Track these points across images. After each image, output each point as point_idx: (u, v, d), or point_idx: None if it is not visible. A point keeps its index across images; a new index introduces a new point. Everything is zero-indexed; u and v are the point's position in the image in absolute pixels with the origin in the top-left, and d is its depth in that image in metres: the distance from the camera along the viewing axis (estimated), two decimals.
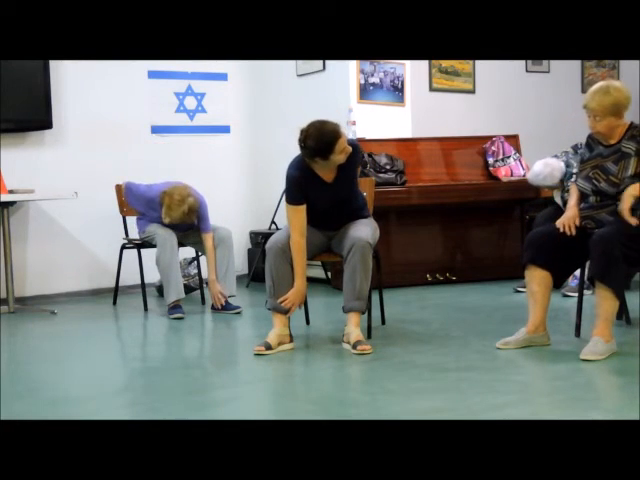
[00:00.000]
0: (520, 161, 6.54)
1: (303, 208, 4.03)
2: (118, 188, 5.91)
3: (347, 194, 4.14)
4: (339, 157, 3.92)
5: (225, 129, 6.97)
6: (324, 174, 4.05)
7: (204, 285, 5.90)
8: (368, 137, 6.29)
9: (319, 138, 3.85)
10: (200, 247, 5.52)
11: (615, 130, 3.87)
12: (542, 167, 5.35)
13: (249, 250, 7.01)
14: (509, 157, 6.51)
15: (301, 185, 4.02)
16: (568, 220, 3.90)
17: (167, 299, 5.28)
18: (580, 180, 3.98)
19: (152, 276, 5.82)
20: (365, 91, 6.43)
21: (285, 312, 4.06)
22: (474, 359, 3.75)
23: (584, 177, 3.95)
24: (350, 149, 3.94)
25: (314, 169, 4.03)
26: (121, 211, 5.90)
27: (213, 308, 5.39)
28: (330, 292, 6.05)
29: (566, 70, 8.18)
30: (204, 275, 5.92)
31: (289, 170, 4.07)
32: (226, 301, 5.34)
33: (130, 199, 5.64)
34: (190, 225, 5.44)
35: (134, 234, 5.73)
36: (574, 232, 3.86)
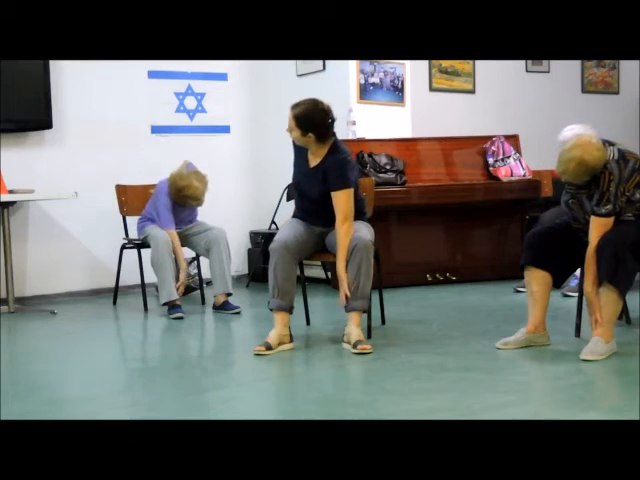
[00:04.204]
0: (520, 161, 6.54)
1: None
2: (118, 188, 5.91)
3: (321, 193, 4.11)
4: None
5: (225, 129, 6.97)
6: (311, 155, 4.16)
7: (204, 285, 5.91)
8: (368, 137, 6.29)
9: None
10: (199, 248, 5.52)
11: None
12: (570, 134, 5.20)
13: (249, 250, 7.00)
14: (509, 157, 6.50)
15: (296, 149, 4.26)
16: None
17: (159, 299, 5.33)
18: (563, 204, 3.98)
19: (152, 276, 5.81)
20: (365, 91, 6.43)
21: (289, 310, 4.06)
22: (474, 359, 3.75)
23: (565, 202, 3.95)
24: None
25: (308, 151, 4.18)
26: (121, 211, 5.90)
27: (214, 308, 5.40)
28: (330, 292, 6.04)
29: (566, 70, 8.18)
30: (204, 275, 5.93)
31: None
32: (226, 301, 5.34)
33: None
34: (190, 216, 5.57)
35: (134, 234, 5.73)
36: None
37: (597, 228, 3.72)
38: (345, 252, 4.00)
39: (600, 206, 3.70)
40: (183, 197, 5.40)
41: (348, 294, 3.98)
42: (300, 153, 4.21)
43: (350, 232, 4.00)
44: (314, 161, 4.15)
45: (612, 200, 3.67)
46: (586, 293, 3.74)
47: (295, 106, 4.10)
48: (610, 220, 3.72)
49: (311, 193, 4.17)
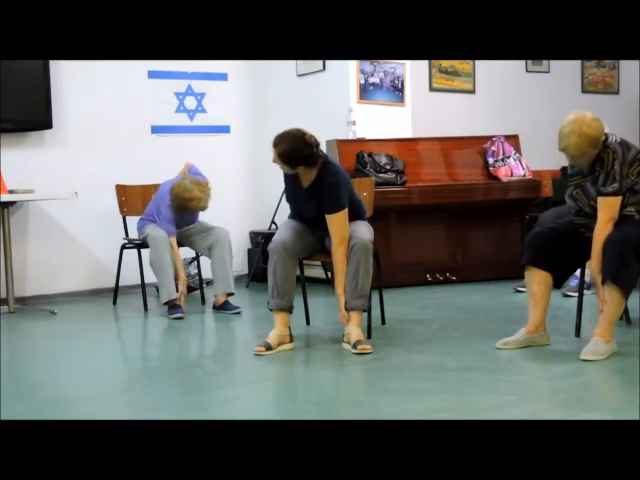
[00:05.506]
0: (520, 161, 6.54)
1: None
2: (118, 188, 5.92)
3: (320, 211, 4.08)
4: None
5: (225, 129, 6.97)
6: (302, 177, 4.09)
7: (204, 285, 5.91)
8: (368, 137, 6.29)
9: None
10: (201, 247, 5.53)
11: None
12: None
13: (249, 250, 7.00)
14: (509, 157, 6.50)
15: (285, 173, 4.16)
16: None
17: (160, 299, 5.33)
18: (567, 198, 3.98)
19: (152, 276, 5.81)
20: (365, 91, 6.43)
21: (289, 310, 4.06)
22: (474, 359, 3.75)
23: (569, 195, 3.94)
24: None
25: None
26: (121, 211, 5.91)
27: (214, 308, 5.40)
28: (330, 292, 6.02)
29: (566, 70, 8.18)
30: (204, 275, 5.93)
31: None
32: (226, 301, 5.34)
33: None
34: (192, 219, 5.54)
35: (134, 234, 5.73)
36: None
37: (604, 209, 3.71)
38: (343, 277, 4.02)
39: (606, 185, 3.70)
40: (186, 208, 5.38)
41: (346, 316, 4.02)
42: (290, 176, 4.14)
43: (346, 256, 4.01)
44: (307, 181, 4.09)
45: (617, 179, 3.67)
46: (591, 270, 3.73)
47: (277, 143, 3.97)
48: (617, 201, 3.70)
49: (308, 212, 4.15)
